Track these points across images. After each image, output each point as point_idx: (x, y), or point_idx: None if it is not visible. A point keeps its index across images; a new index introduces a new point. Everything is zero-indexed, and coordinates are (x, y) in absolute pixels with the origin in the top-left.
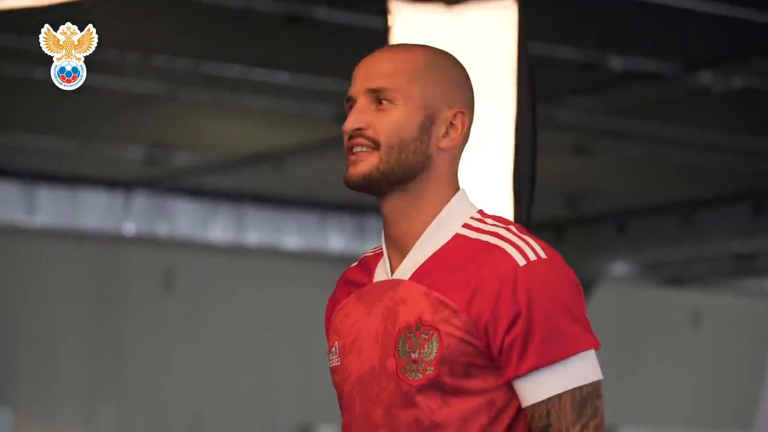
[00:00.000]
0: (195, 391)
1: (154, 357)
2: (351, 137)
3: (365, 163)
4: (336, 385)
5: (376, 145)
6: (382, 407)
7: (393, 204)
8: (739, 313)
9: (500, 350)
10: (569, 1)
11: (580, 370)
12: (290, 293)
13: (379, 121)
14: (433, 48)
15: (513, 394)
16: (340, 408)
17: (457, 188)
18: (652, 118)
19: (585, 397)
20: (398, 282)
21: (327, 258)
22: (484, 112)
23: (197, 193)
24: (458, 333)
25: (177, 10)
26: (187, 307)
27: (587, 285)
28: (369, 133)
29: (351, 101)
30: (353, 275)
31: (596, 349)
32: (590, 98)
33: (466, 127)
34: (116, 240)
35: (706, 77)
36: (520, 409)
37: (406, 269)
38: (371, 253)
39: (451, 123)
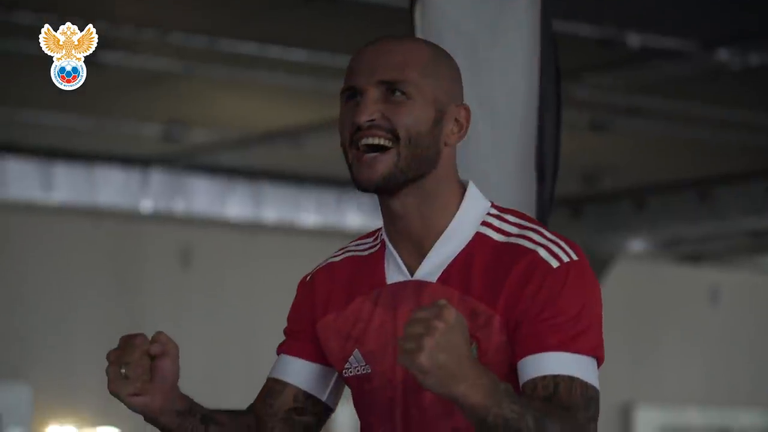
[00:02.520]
0: (212, 367)
1: (171, 333)
2: (359, 129)
3: (382, 164)
4: (365, 393)
5: (395, 137)
6: (425, 415)
7: (404, 202)
8: (757, 290)
9: (529, 330)
10: None
11: (593, 374)
12: (307, 270)
13: (394, 113)
14: (430, 42)
15: None
16: (363, 413)
17: (462, 183)
18: (670, 96)
19: (593, 397)
20: (425, 284)
21: (344, 235)
22: (507, 90)
23: (214, 170)
24: (495, 338)
25: None
26: (204, 284)
27: (604, 262)
28: (385, 124)
29: (353, 92)
30: (342, 276)
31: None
32: (608, 75)
33: (468, 124)
34: (133, 217)
35: (723, 54)
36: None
37: (430, 270)
38: (356, 253)
39: (456, 119)
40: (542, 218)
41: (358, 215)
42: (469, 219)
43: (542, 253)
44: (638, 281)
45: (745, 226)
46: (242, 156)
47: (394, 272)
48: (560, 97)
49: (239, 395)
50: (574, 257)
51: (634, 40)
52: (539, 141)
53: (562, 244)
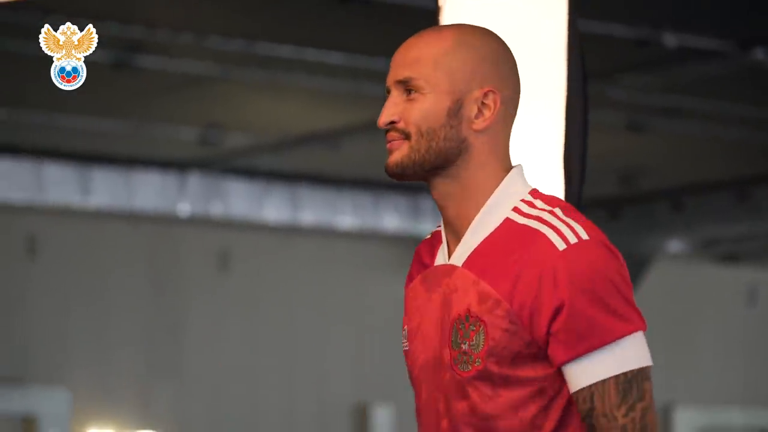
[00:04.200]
0: (250, 371)
1: (210, 337)
2: (386, 131)
3: (398, 152)
4: (408, 370)
5: (407, 137)
6: (443, 396)
7: (439, 190)
8: None
9: (546, 339)
10: None
11: (624, 354)
12: (345, 273)
13: (408, 111)
14: (464, 27)
15: (563, 382)
16: (414, 391)
17: (509, 168)
18: (706, 95)
19: (630, 380)
20: (453, 268)
21: (381, 238)
22: (534, 92)
23: (251, 173)
24: (503, 324)
25: None
26: (241, 287)
27: (642, 263)
28: (401, 125)
29: (388, 92)
30: (423, 252)
31: (643, 331)
32: (644, 76)
33: (499, 105)
34: (171, 221)
35: (759, 54)
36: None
37: (460, 255)
38: (440, 228)
39: (483, 103)
40: None
41: (395, 217)
42: (500, 204)
43: (550, 234)
44: (676, 282)
45: None
46: (279, 159)
47: (441, 255)
48: (587, 99)
49: (276, 397)
50: (584, 237)
51: (670, 40)
52: (566, 143)
53: (574, 224)
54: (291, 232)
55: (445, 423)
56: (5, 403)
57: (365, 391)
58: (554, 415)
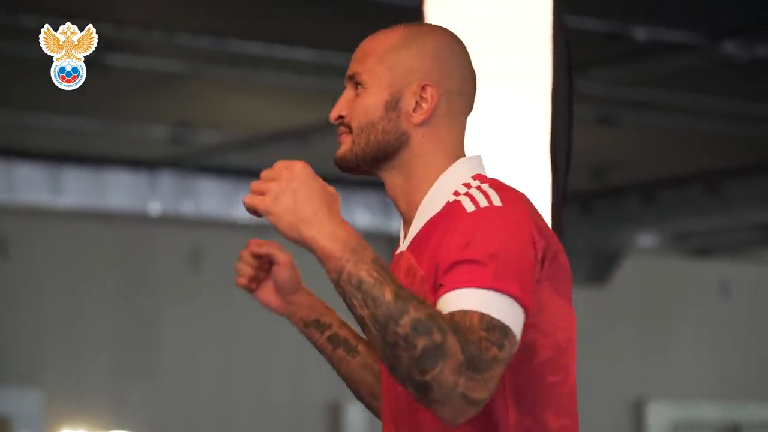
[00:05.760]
0: (224, 369)
1: (183, 336)
2: (338, 125)
3: (342, 146)
4: None
5: (350, 130)
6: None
7: (388, 184)
8: None
9: (441, 277)
10: None
11: (504, 308)
12: (317, 270)
13: (354, 106)
14: (416, 25)
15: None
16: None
17: (458, 158)
18: (677, 89)
19: (494, 325)
20: (401, 254)
21: None
22: (520, 83)
23: (222, 171)
24: (423, 294)
25: None
26: (214, 285)
27: (613, 257)
28: (346, 120)
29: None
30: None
31: (520, 303)
32: (615, 69)
33: (437, 99)
34: (142, 220)
35: (730, 47)
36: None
37: (407, 240)
38: None
39: (421, 97)
40: (557, 211)
41: (366, 214)
42: (442, 190)
43: (464, 201)
44: (648, 276)
45: (754, 219)
46: (250, 156)
47: (401, 243)
48: (572, 91)
49: (250, 396)
50: (496, 203)
51: (640, 33)
52: (552, 134)
53: (491, 192)
54: (263, 229)
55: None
56: None
57: (339, 389)
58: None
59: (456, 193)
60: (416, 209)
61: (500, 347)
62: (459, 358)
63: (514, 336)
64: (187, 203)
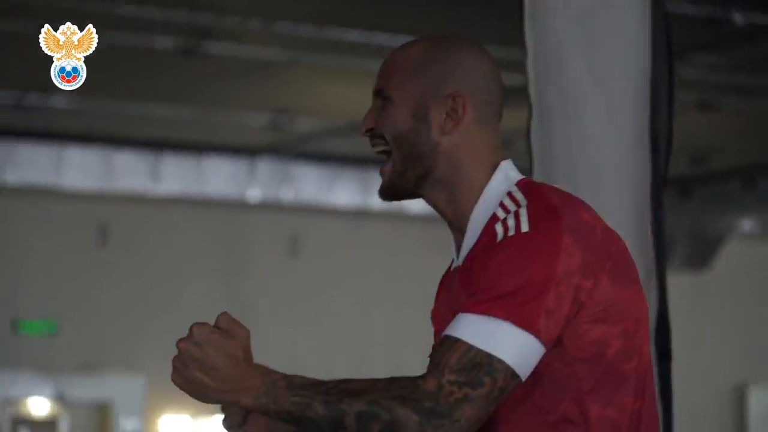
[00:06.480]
0: (323, 353)
1: (281, 321)
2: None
3: (386, 174)
4: None
5: (386, 142)
6: None
7: (430, 198)
8: None
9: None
10: None
11: (505, 341)
12: (415, 256)
13: (382, 119)
14: (441, 37)
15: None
16: None
17: (496, 164)
18: None
19: (478, 363)
20: (456, 272)
21: None
22: (620, 66)
23: (321, 157)
24: None
25: None
26: (312, 271)
27: (714, 243)
28: (377, 132)
29: None
30: (452, 252)
31: (531, 332)
32: (714, 54)
33: (468, 109)
34: (241, 206)
35: None
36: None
37: (462, 256)
38: None
39: (452, 108)
40: (656, 195)
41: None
42: (489, 201)
43: (498, 228)
44: (748, 261)
45: None
46: (349, 143)
47: (454, 254)
48: (673, 75)
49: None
50: (524, 229)
51: (739, 18)
52: (652, 118)
53: (523, 216)
54: (361, 216)
55: None
56: (80, 391)
57: None
58: (535, 396)
59: (502, 206)
60: (465, 219)
61: (475, 385)
62: (415, 420)
63: (505, 368)
64: (285, 190)
